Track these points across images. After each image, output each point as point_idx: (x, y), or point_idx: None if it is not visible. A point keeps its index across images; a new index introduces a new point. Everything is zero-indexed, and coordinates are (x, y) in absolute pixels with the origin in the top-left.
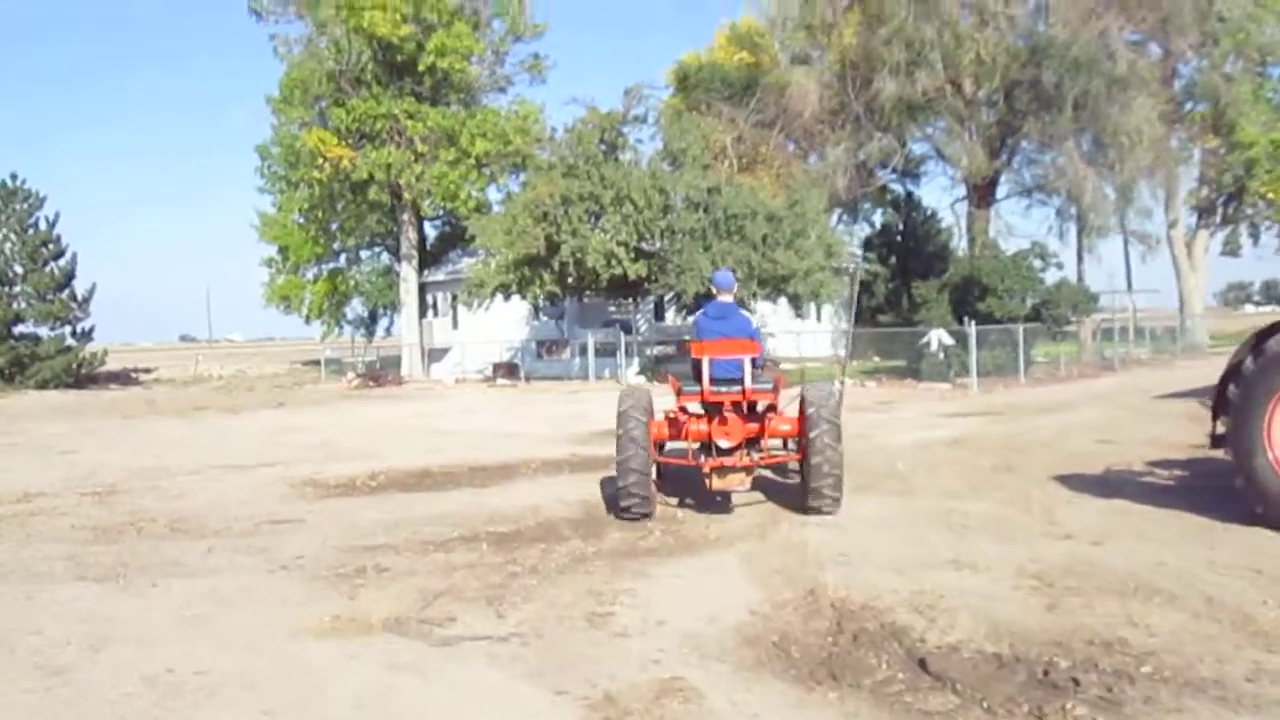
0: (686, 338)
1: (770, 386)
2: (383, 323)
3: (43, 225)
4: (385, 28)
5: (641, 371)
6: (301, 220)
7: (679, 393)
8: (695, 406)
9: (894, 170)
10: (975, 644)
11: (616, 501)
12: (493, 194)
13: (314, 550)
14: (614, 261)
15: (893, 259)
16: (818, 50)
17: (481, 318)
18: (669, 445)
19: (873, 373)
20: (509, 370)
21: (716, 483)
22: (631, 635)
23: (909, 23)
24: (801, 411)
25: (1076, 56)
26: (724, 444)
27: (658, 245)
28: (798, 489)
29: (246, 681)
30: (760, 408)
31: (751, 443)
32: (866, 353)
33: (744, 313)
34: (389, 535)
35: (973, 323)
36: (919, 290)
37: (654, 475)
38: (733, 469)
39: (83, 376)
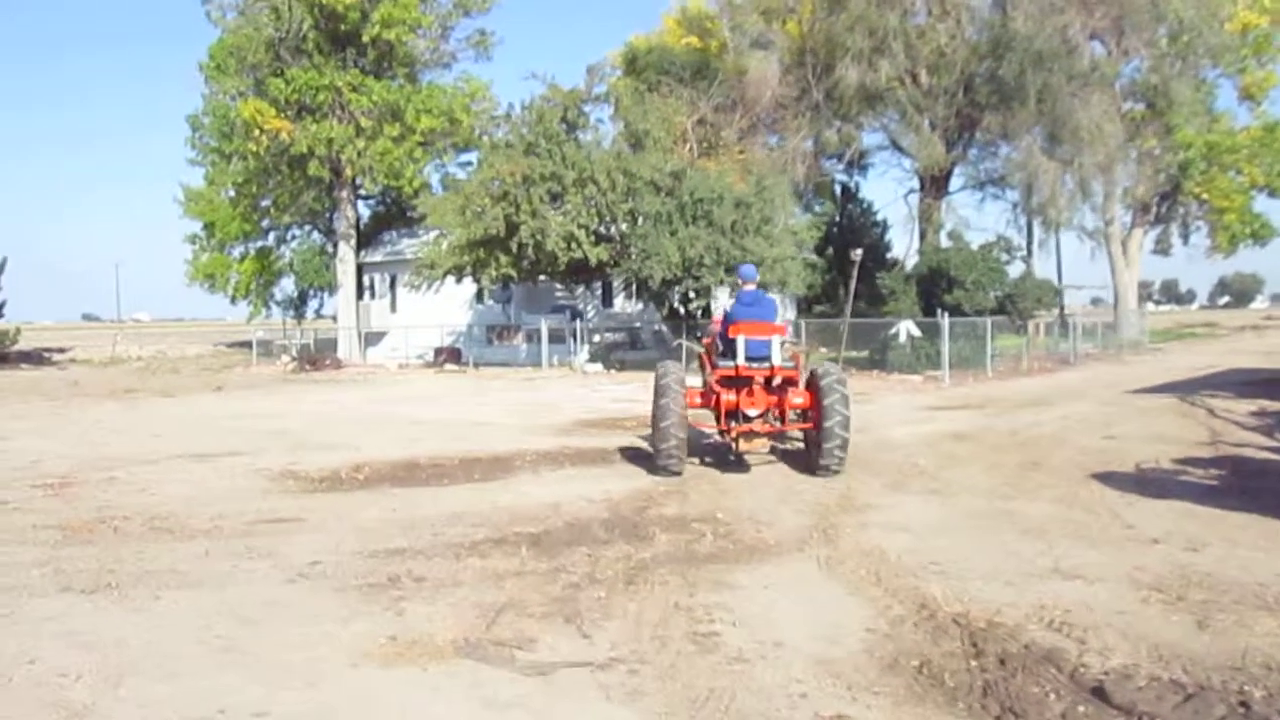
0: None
1: (792, 364)
2: (312, 304)
3: None
4: None
5: (593, 359)
6: (232, 195)
7: (713, 366)
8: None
9: (841, 161)
10: (1145, 669)
11: (654, 459)
12: (430, 173)
13: (329, 555)
14: (574, 245)
15: (829, 250)
16: (773, 35)
17: (421, 301)
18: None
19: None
20: (452, 355)
21: (743, 445)
22: (752, 660)
23: (871, 10)
24: (813, 386)
25: (1040, 50)
26: (751, 413)
27: (620, 229)
28: (801, 455)
29: None
30: (776, 382)
31: (772, 412)
32: (834, 344)
33: (770, 296)
34: (407, 537)
35: (946, 315)
36: (885, 281)
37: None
38: (756, 434)
39: None
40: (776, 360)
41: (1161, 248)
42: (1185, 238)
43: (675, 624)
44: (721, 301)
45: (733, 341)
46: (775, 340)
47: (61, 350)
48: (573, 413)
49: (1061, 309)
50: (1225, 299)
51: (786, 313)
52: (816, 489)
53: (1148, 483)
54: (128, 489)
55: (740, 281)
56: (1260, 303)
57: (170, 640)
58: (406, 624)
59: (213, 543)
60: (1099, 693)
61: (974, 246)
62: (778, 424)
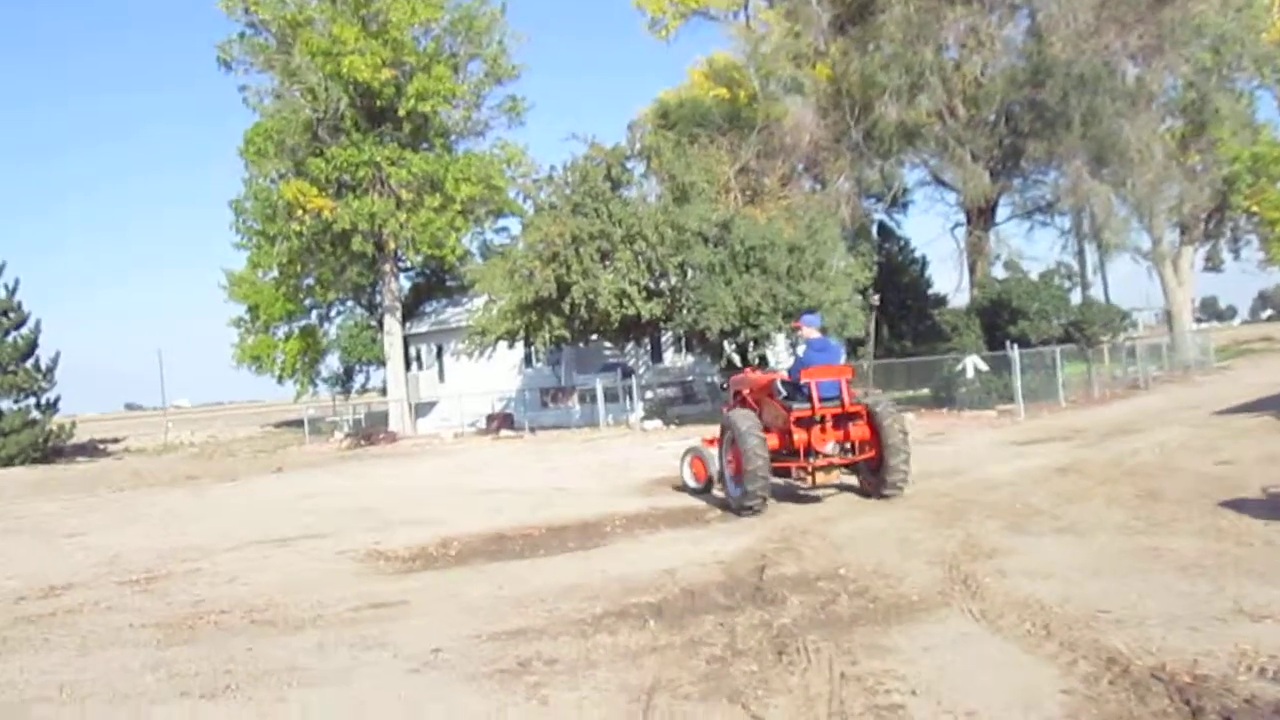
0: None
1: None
2: (358, 379)
3: (2, 293)
4: (365, 73)
5: (649, 415)
6: (276, 275)
7: (789, 409)
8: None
9: (881, 200)
10: None
11: (739, 502)
12: (468, 241)
13: (447, 640)
14: (626, 301)
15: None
16: (805, 79)
17: (470, 369)
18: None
19: (904, 404)
20: (505, 421)
21: (820, 478)
22: None
23: (906, 47)
24: (870, 419)
25: (1082, 73)
26: (829, 448)
27: (671, 282)
28: (866, 484)
29: None
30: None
31: (841, 445)
32: (893, 383)
33: (835, 343)
34: (523, 616)
35: (1015, 346)
36: (945, 318)
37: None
38: (831, 466)
39: (49, 450)
40: (846, 399)
41: (1212, 264)
42: (1236, 252)
43: (849, 696)
44: (780, 349)
45: (804, 385)
46: (843, 381)
47: (115, 440)
48: (645, 472)
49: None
50: (1268, 312)
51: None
52: (935, 537)
53: None
54: (216, 580)
55: (804, 329)
56: None
57: None
58: (557, 714)
59: (322, 634)
60: None
61: (1032, 276)
62: (850, 455)
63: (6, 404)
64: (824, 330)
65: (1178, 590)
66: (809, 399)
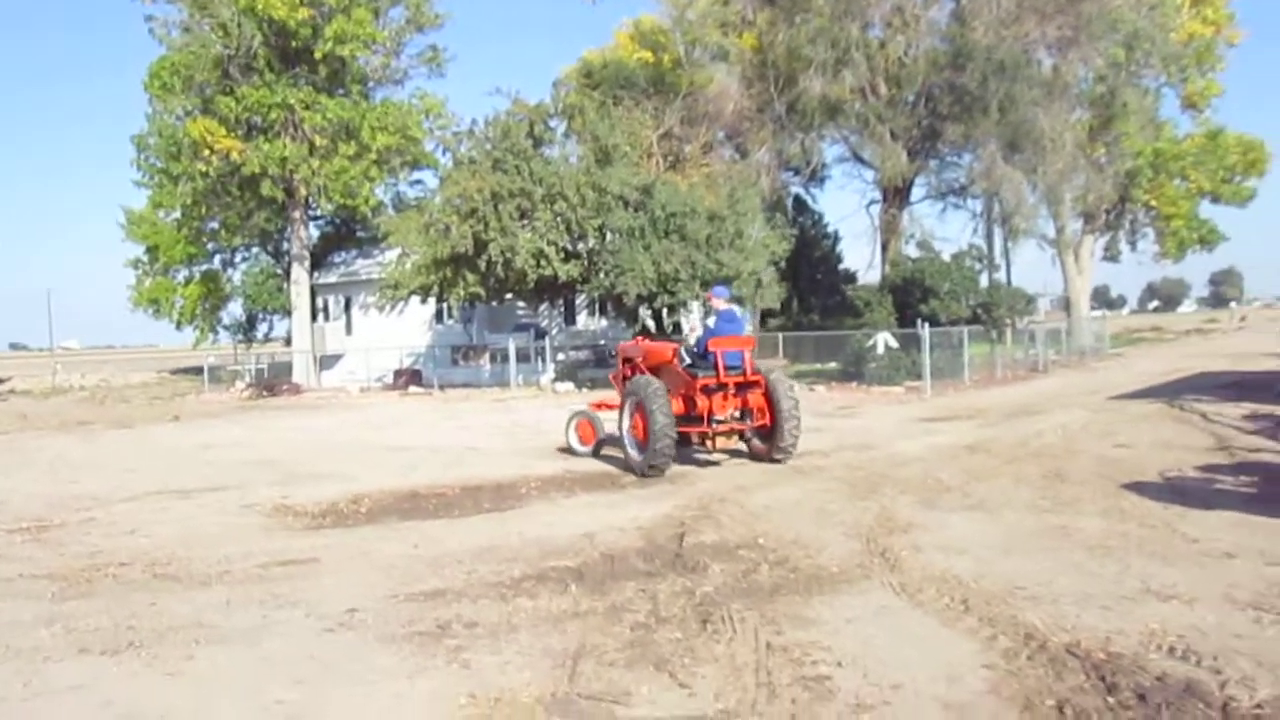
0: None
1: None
2: (261, 328)
3: None
4: (281, 10)
5: (560, 377)
6: (178, 217)
7: (694, 376)
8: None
9: (799, 173)
10: None
11: (645, 464)
12: (380, 193)
13: (362, 600)
14: (544, 262)
15: (780, 263)
16: (731, 48)
17: (378, 323)
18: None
19: (813, 377)
20: (413, 377)
21: (720, 441)
22: (876, 706)
23: (833, 22)
24: (765, 389)
25: (1002, 60)
26: (728, 415)
27: (590, 245)
28: (756, 450)
29: None
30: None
31: (741, 412)
32: (803, 356)
33: (741, 314)
34: (440, 577)
35: (926, 325)
36: (858, 294)
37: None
38: (729, 431)
39: None
40: (747, 369)
41: (1110, 254)
42: (1133, 244)
43: (775, 667)
44: (695, 316)
45: (711, 354)
46: (746, 351)
47: (1, 380)
48: (557, 435)
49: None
50: (1155, 303)
51: (748, 326)
52: (850, 510)
53: (1184, 492)
54: (114, 531)
55: (714, 300)
56: (1187, 306)
57: (224, 709)
58: (480, 679)
59: (229, 590)
60: None
61: (944, 256)
62: (748, 421)
63: None
64: (737, 300)
65: (1088, 570)
66: (715, 367)
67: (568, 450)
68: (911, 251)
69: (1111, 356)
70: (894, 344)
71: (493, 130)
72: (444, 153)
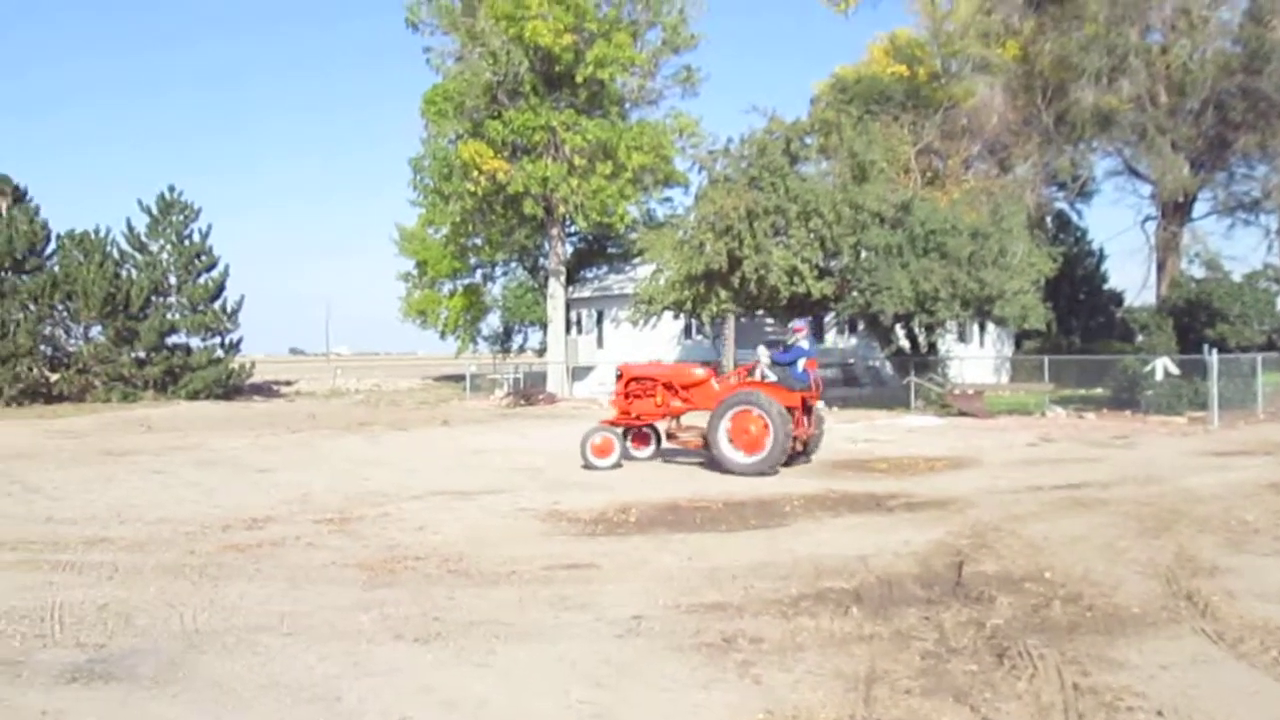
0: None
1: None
2: (517, 339)
3: (197, 237)
4: (547, 38)
5: None
6: (448, 233)
7: (790, 390)
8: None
9: (1064, 189)
10: None
11: (765, 465)
12: (632, 211)
13: (646, 608)
14: (797, 279)
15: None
16: (993, 59)
17: (629, 336)
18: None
19: (1079, 403)
20: None
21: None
22: None
23: (1109, 27)
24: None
25: None
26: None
27: (844, 262)
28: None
29: None
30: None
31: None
32: (1063, 380)
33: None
34: (719, 591)
35: (1214, 351)
36: (1135, 316)
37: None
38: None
39: (230, 388)
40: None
41: None
42: None
43: (1087, 710)
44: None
45: (806, 373)
46: (816, 371)
47: (288, 383)
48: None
49: None
50: None
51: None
52: (1143, 548)
53: None
54: (406, 526)
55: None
56: None
57: (534, 704)
58: (773, 696)
59: (519, 589)
60: None
61: (1234, 277)
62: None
63: (195, 342)
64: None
65: None
66: (808, 384)
67: (586, 466)
68: (1194, 271)
69: None
70: (1174, 370)
71: (749, 148)
72: (699, 170)
